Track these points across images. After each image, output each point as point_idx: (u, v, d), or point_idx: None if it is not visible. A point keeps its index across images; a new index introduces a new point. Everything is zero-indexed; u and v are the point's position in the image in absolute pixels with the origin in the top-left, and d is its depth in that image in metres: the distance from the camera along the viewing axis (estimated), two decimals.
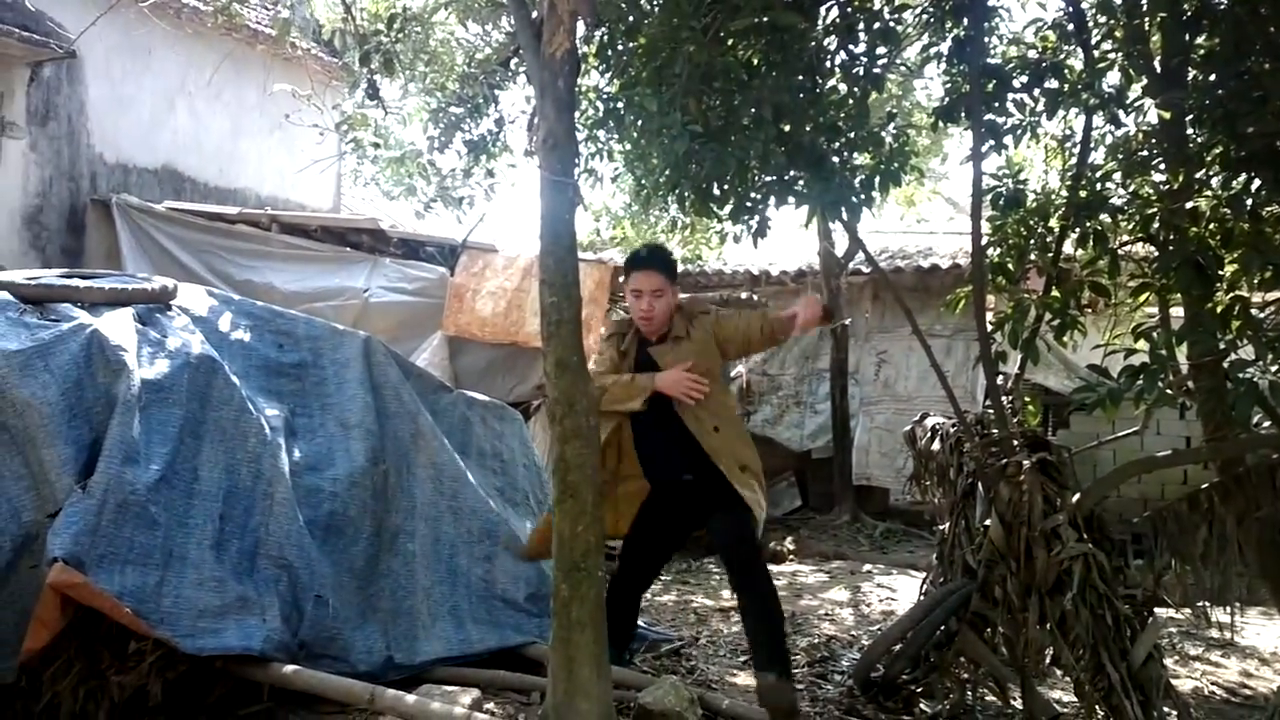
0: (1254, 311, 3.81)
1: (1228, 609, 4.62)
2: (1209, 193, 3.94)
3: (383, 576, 4.29)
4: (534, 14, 3.99)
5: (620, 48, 4.83)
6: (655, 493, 4.21)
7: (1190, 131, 3.90)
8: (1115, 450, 6.73)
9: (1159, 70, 4.06)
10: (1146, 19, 4.07)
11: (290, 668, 3.70)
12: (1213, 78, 3.71)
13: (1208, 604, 4.51)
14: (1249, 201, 3.69)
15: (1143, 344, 3.83)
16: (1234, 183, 3.79)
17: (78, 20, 7.84)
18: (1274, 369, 3.50)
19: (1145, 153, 4.20)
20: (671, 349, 4.08)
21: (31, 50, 7.94)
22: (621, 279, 4.25)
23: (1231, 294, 3.85)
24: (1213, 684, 5.09)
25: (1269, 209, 3.74)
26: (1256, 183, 3.64)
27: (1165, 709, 3.76)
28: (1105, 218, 4.24)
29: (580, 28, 3.94)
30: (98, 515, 3.44)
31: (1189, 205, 3.79)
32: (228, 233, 8.28)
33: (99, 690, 3.51)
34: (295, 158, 10.04)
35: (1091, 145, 4.56)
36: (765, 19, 3.97)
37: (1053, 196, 4.61)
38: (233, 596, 3.69)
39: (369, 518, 4.30)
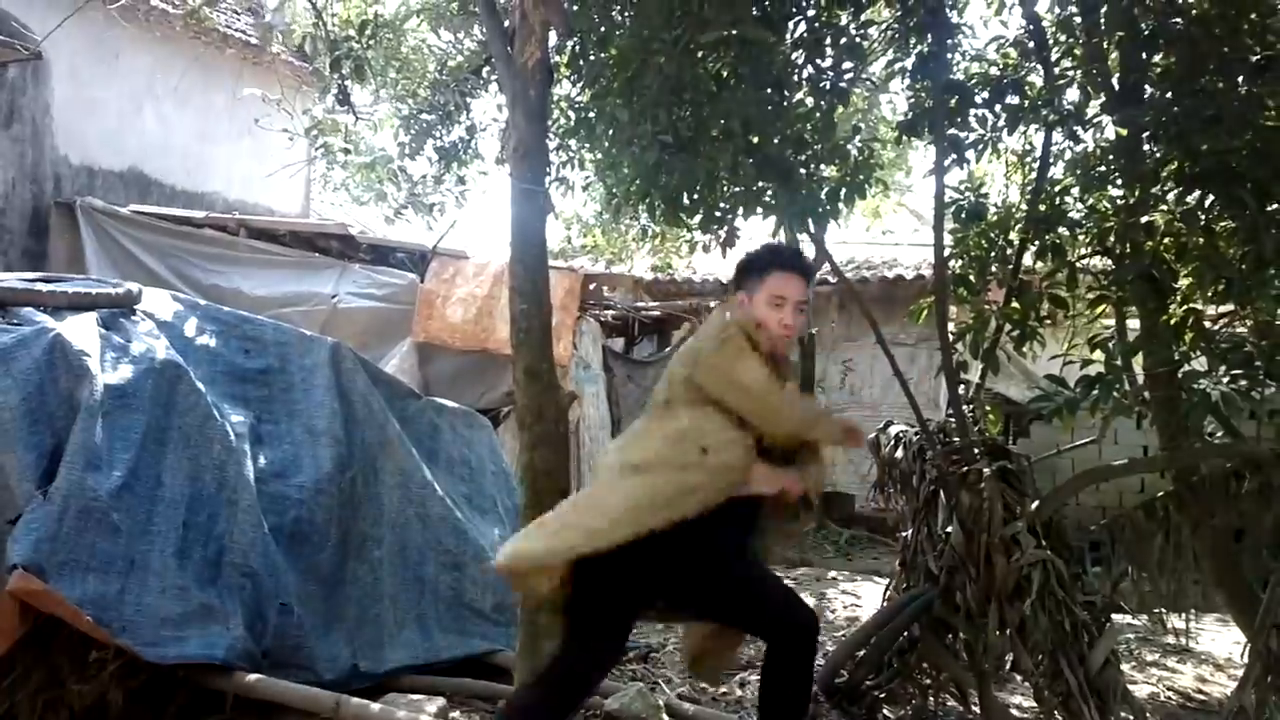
0: (1207, 324, 3.90)
1: (1183, 615, 4.70)
2: (1164, 208, 4.02)
3: (349, 584, 4.28)
4: (506, 23, 4.02)
5: (592, 58, 4.87)
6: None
7: (1146, 148, 3.97)
8: (1074, 459, 6.82)
9: (1116, 88, 4.14)
10: (1105, 38, 4.15)
11: (254, 677, 3.69)
12: (1168, 95, 3.78)
13: (1164, 610, 4.59)
14: (1202, 216, 3.77)
15: (1099, 355, 3.90)
16: (1188, 198, 3.86)
17: (44, 21, 7.78)
18: (1226, 380, 3.58)
19: (1103, 168, 4.26)
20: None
21: None
22: (734, 287, 3.20)
23: (1185, 307, 3.93)
24: (1169, 689, 5.17)
25: (1221, 224, 3.81)
26: (1210, 198, 3.72)
27: (1122, 714, 3.82)
28: (1064, 231, 4.31)
29: (552, 38, 3.98)
30: (59, 522, 3.42)
31: (1144, 220, 3.86)
32: (194, 237, 8.24)
33: (58, 699, 3.49)
34: (264, 162, 10.00)
35: (1051, 160, 4.63)
36: (735, 32, 4.01)
37: (1013, 210, 4.68)
38: (196, 605, 3.67)
39: (335, 525, 4.29)
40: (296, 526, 4.15)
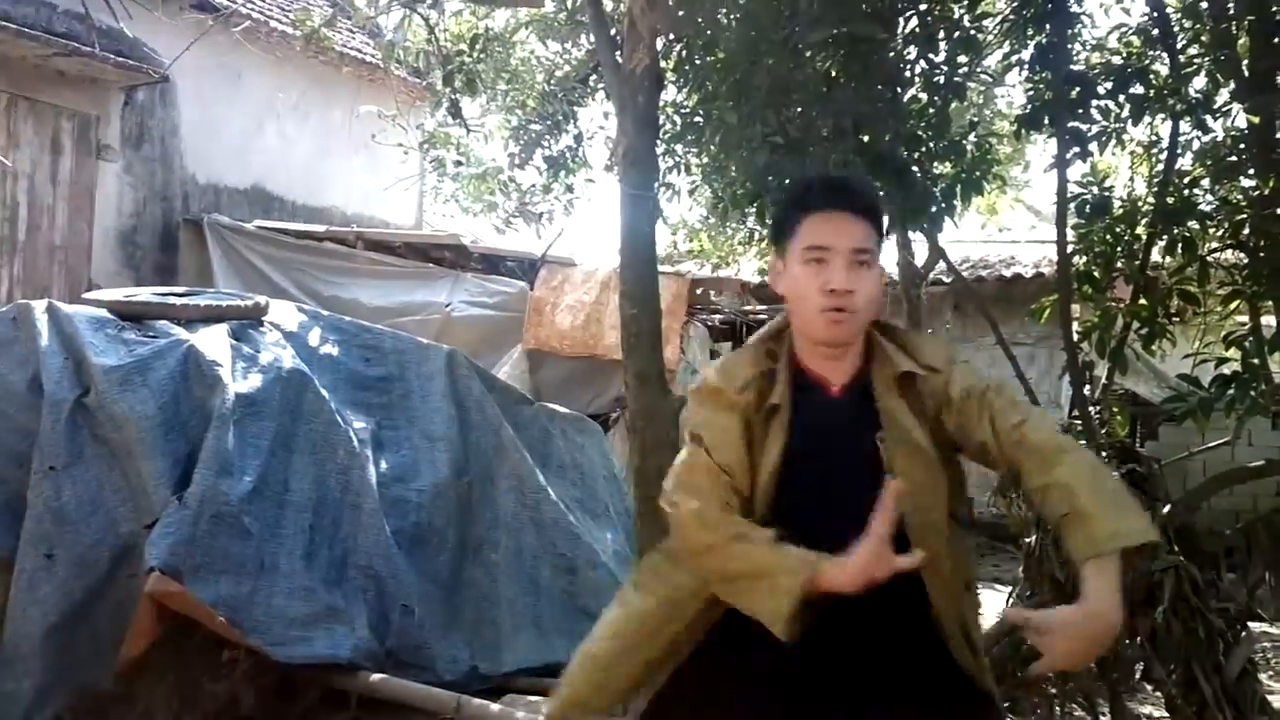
0: None
1: None
2: None
3: (467, 587, 4.35)
4: (614, 31, 4.05)
5: (698, 62, 4.86)
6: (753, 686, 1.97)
7: None
8: (1205, 461, 6.56)
9: (1247, 74, 3.97)
10: (1234, 23, 3.98)
11: (378, 676, 3.78)
12: None
13: None
14: None
15: (1234, 353, 3.75)
16: None
17: (170, 45, 8.10)
18: None
19: (1234, 158, 4.10)
20: (898, 444, 1.91)
21: (126, 74, 8.24)
22: (769, 245, 2.26)
23: None
24: None
25: None
26: None
27: None
28: (1193, 224, 4.15)
29: (658, 44, 3.99)
30: (193, 526, 3.55)
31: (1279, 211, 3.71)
32: (315, 250, 8.49)
33: (192, 698, 3.62)
34: (380, 176, 10.25)
35: (1178, 151, 4.46)
36: (844, 30, 3.96)
37: (1139, 203, 4.52)
38: (322, 606, 3.77)
39: (453, 529, 4.37)
40: (416, 530, 4.24)
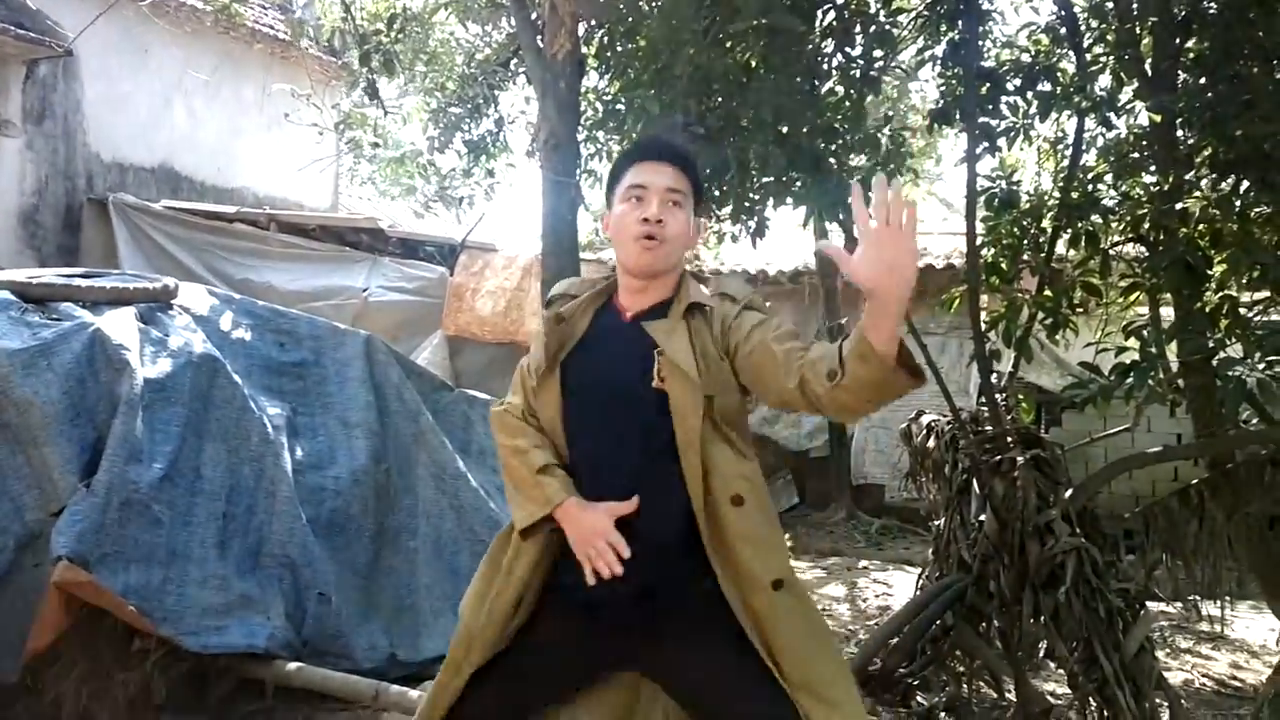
0: (1242, 310, 3.87)
1: (1218, 602, 4.68)
2: (1198, 194, 3.99)
3: (385, 574, 4.31)
4: (535, 15, 4.04)
5: (620, 49, 4.87)
6: (571, 617, 2.25)
7: (1180, 134, 3.95)
8: (1107, 447, 6.80)
9: (1149, 74, 4.11)
10: (1137, 23, 4.12)
11: (294, 665, 3.72)
12: (1202, 81, 3.76)
13: (1198, 598, 4.57)
14: (1237, 203, 3.75)
15: (1133, 342, 3.89)
16: (1223, 184, 3.85)
17: (75, 18, 7.87)
18: (1261, 366, 3.55)
19: (1136, 155, 4.24)
20: (667, 363, 2.11)
21: (27, 48, 7.97)
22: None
23: (1220, 293, 3.91)
24: (1203, 676, 5.15)
25: (1256, 210, 3.79)
26: (1244, 184, 3.70)
27: (1157, 700, 3.81)
28: (1097, 218, 4.29)
29: (580, 29, 3.99)
30: (102, 514, 3.46)
31: (1179, 206, 3.84)
32: (226, 231, 8.32)
33: (102, 689, 3.53)
34: (293, 157, 10.06)
35: (1083, 147, 4.61)
36: (764, 22, 4.01)
37: (1045, 198, 4.66)
38: (236, 594, 3.70)
39: (371, 516, 4.32)
40: (333, 517, 4.19)
